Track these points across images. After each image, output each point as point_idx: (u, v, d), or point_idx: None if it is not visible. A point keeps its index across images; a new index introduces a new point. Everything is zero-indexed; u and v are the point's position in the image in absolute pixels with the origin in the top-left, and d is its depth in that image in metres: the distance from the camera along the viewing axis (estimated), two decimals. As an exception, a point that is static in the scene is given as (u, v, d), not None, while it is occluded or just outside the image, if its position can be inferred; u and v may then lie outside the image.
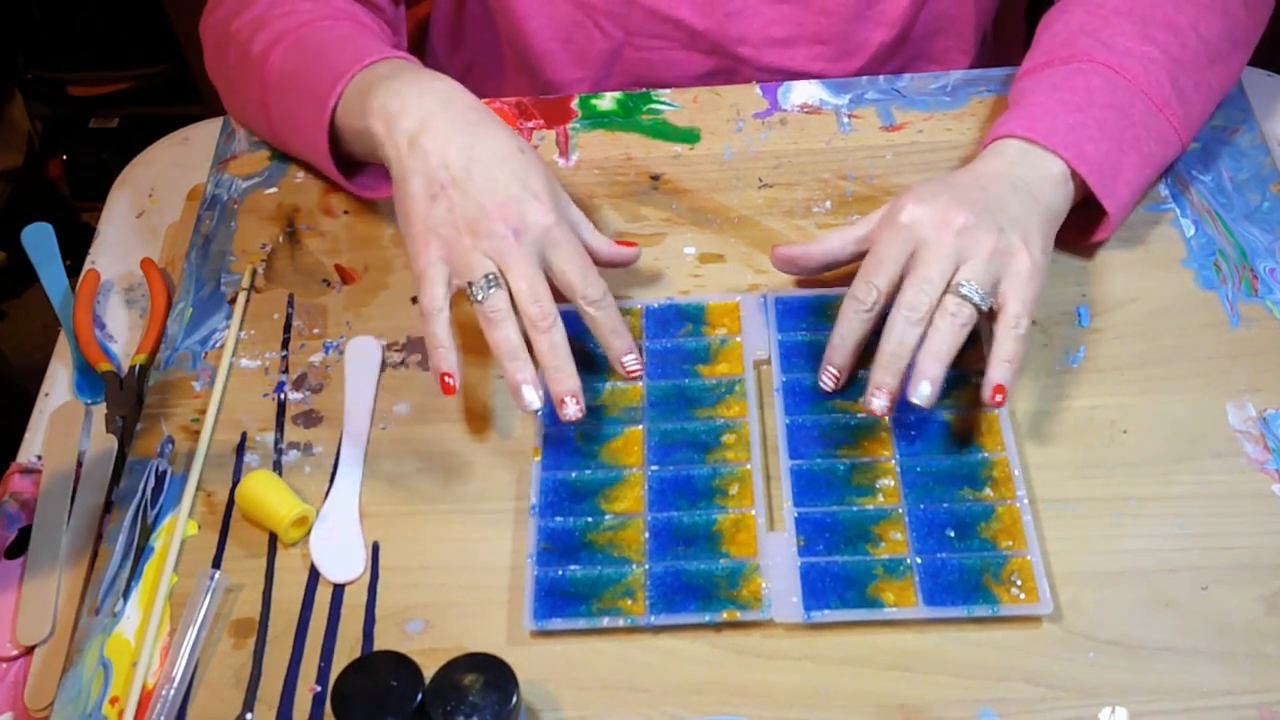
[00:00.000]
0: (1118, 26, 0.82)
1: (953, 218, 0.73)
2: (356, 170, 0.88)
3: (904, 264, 0.73)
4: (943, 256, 0.72)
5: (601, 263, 0.79)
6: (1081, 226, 0.82)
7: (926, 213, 0.73)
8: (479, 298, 0.73)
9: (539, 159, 0.78)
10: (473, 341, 0.82)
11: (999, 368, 0.71)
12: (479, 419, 0.79)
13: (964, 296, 0.71)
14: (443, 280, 0.74)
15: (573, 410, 0.74)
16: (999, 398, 0.71)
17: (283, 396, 0.81)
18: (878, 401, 0.71)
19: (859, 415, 0.76)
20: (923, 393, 0.70)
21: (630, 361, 0.78)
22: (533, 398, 0.73)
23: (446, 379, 0.74)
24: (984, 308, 0.72)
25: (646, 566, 0.70)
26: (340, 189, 0.90)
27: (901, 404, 0.75)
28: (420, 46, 1.13)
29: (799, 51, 0.98)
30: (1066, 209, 0.79)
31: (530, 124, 0.95)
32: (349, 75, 0.82)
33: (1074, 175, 0.78)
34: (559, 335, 0.74)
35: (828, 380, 0.75)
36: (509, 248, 0.74)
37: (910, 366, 0.71)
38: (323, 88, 0.82)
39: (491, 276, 0.73)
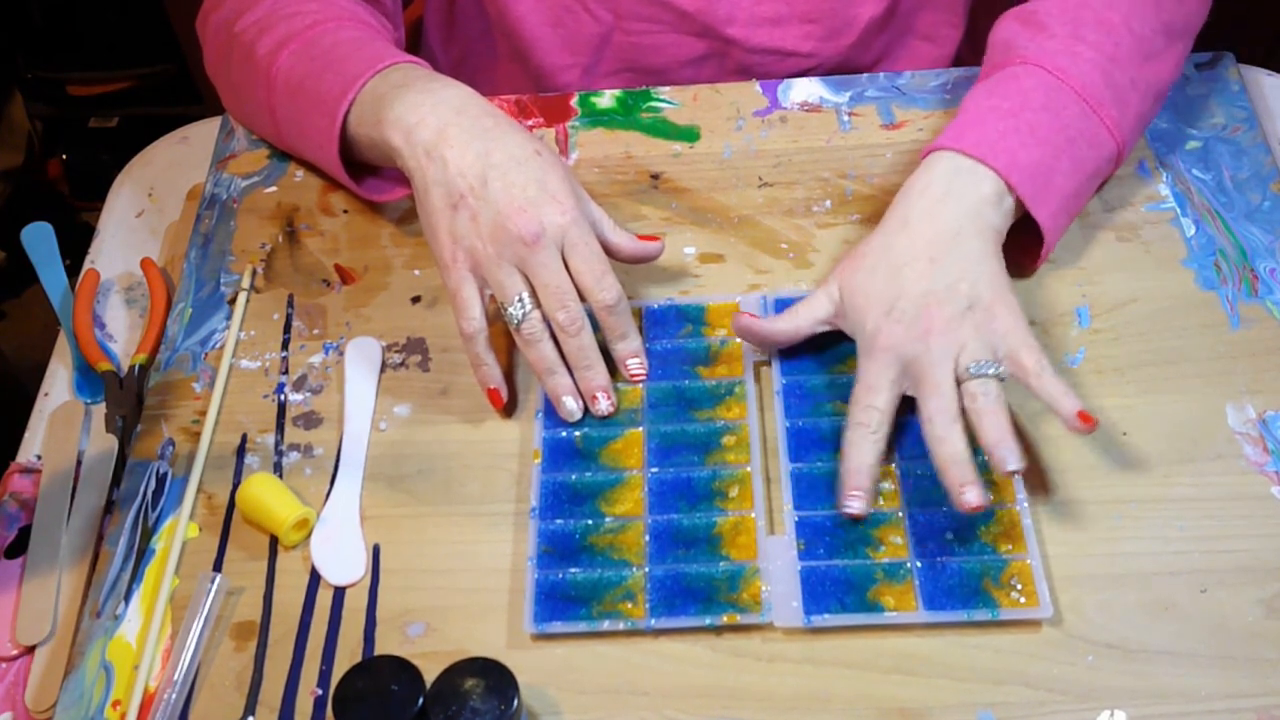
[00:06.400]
0: (1051, 29, 0.82)
1: (928, 323, 0.72)
2: (364, 173, 0.88)
3: (898, 380, 0.73)
4: (939, 361, 0.72)
5: (624, 259, 0.80)
6: (1021, 244, 0.80)
7: (901, 331, 0.72)
8: (515, 323, 0.75)
9: (557, 159, 0.78)
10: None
11: (1066, 401, 0.71)
12: (479, 421, 0.79)
13: (982, 377, 0.71)
14: (477, 300, 0.76)
15: (605, 405, 0.77)
16: (1088, 424, 0.70)
17: (283, 398, 0.81)
18: (971, 495, 0.69)
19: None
20: (1012, 466, 0.69)
21: (634, 365, 0.78)
22: (574, 407, 0.76)
23: (496, 394, 0.77)
24: (1003, 375, 0.72)
25: (646, 569, 0.70)
26: (345, 190, 0.90)
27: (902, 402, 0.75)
28: (414, 41, 1.12)
29: (789, 30, 0.98)
30: (1008, 224, 0.78)
31: (530, 122, 0.95)
32: (360, 82, 0.81)
33: (1009, 189, 0.77)
34: (587, 337, 0.76)
35: (856, 505, 0.71)
36: (530, 253, 0.74)
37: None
38: (334, 95, 0.82)
39: (523, 298, 0.75)
